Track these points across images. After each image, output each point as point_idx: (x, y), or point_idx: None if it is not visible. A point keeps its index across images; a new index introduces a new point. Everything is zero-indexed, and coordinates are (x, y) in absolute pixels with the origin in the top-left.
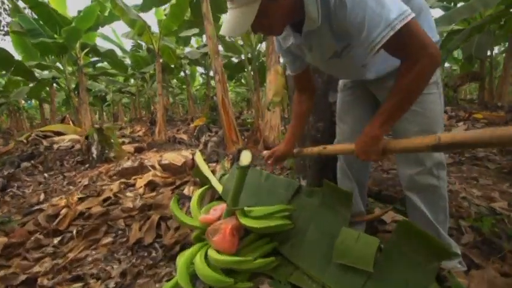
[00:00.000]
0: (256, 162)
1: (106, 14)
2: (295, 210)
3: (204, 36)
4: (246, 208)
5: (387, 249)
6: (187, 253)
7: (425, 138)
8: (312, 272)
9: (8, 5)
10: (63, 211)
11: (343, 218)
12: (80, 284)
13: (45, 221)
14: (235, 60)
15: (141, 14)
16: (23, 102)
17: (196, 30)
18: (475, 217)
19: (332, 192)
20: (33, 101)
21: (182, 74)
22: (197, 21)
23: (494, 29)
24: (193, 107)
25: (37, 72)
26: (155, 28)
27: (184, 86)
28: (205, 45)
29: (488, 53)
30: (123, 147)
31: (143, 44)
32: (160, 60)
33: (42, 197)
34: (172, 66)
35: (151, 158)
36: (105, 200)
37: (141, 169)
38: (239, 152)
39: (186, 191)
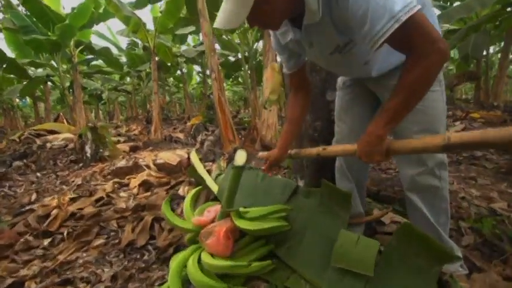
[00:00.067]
0: (252, 162)
1: (100, 11)
2: (292, 211)
3: (200, 34)
4: (241, 209)
5: (387, 253)
6: (180, 256)
7: (433, 139)
8: (309, 275)
9: (0, 2)
10: (54, 212)
11: (341, 219)
12: None
13: (36, 221)
14: (232, 58)
15: (136, 11)
16: (17, 100)
17: (192, 28)
18: (475, 218)
19: (330, 193)
20: (27, 99)
21: (179, 72)
22: (193, 19)
23: (490, 28)
24: (190, 106)
25: (31, 70)
26: (151, 25)
27: (181, 85)
28: (201, 44)
29: (484, 52)
30: (118, 146)
31: (139, 41)
32: (156, 58)
33: (34, 197)
34: (169, 64)
35: (145, 157)
36: (97, 201)
37: (136, 168)
38: (235, 151)
39: (181, 191)
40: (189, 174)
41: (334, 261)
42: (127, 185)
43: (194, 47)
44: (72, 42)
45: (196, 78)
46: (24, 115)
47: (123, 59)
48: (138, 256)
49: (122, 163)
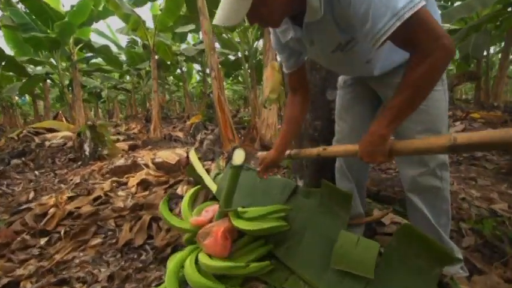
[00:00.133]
0: (251, 162)
1: (100, 8)
2: (292, 211)
3: (200, 32)
4: (239, 209)
5: (387, 254)
6: (177, 257)
7: (438, 139)
8: (308, 277)
9: None
10: (52, 210)
11: (341, 220)
12: None
13: (33, 220)
14: (232, 57)
15: (136, 9)
16: (16, 98)
17: (192, 27)
18: (476, 219)
19: (330, 193)
20: (27, 97)
21: (178, 71)
22: (193, 17)
23: (490, 28)
24: (189, 105)
25: (30, 68)
26: (150, 23)
27: (180, 83)
28: (201, 42)
29: (485, 53)
30: (118, 144)
31: (139, 40)
32: (156, 57)
33: (31, 195)
34: (169, 63)
35: (144, 156)
36: (95, 199)
37: (134, 167)
38: (233, 150)
39: (179, 191)
40: (188, 173)
41: (334, 263)
42: (125, 183)
43: (194, 45)
44: (71, 40)
45: (196, 77)
46: (24, 113)
47: (123, 57)
48: (136, 256)
49: (120, 162)
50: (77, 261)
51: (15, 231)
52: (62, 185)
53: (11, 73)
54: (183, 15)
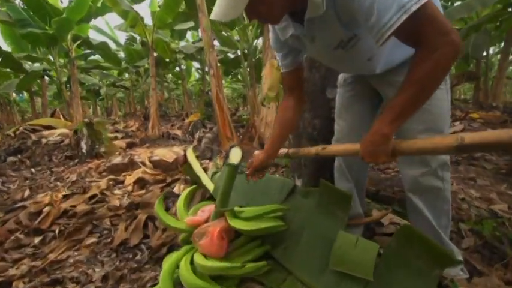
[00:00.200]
0: (249, 161)
1: (98, 5)
2: (290, 211)
3: (199, 30)
4: (236, 208)
5: (386, 255)
6: (173, 257)
7: (444, 139)
8: (306, 278)
9: None
10: (46, 209)
11: (340, 220)
12: None
13: (27, 219)
14: (231, 55)
15: (135, 6)
16: (14, 95)
17: (191, 24)
18: (475, 220)
19: (329, 193)
20: (24, 94)
21: (177, 69)
22: (192, 14)
23: (490, 29)
24: (188, 103)
25: (28, 65)
26: (149, 20)
27: (179, 81)
28: (200, 40)
29: (484, 53)
30: (115, 142)
31: (137, 37)
32: (155, 54)
33: (27, 193)
34: (167, 60)
35: (141, 154)
36: (91, 198)
37: (131, 165)
38: (231, 149)
39: (176, 189)
40: (185, 172)
41: (332, 264)
42: (122, 182)
43: (193, 43)
44: (69, 37)
45: (195, 75)
46: (21, 110)
47: (121, 55)
48: (131, 256)
49: (117, 160)
50: (71, 260)
51: (9, 229)
52: (58, 183)
53: (8, 69)
54: (182, 12)
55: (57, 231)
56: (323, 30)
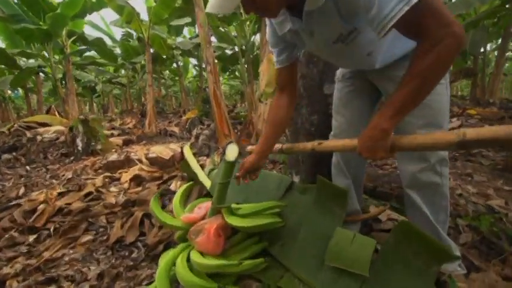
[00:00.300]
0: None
1: (94, 0)
2: (287, 207)
3: (196, 26)
4: (233, 205)
5: (384, 252)
6: (169, 255)
7: (445, 135)
8: (304, 275)
9: None
10: (41, 207)
11: (337, 217)
12: (53, 287)
13: (22, 217)
14: (228, 52)
15: (130, 1)
16: (9, 92)
17: (188, 19)
18: (473, 216)
19: (326, 189)
20: (20, 90)
21: (175, 65)
22: (189, 9)
23: (488, 25)
24: (186, 100)
25: (22, 61)
26: (145, 16)
27: (177, 78)
28: (197, 36)
29: (482, 49)
30: (112, 139)
31: (134, 33)
32: (151, 50)
33: (22, 191)
34: (164, 56)
35: (138, 151)
36: (86, 195)
37: (128, 162)
38: (227, 145)
39: (172, 186)
40: (181, 169)
41: (329, 260)
42: (118, 179)
43: (190, 39)
44: (64, 32)
45: (193, 72)
46: (17, 107)
47: (118, 51)
48: (127, 253)
49: (113, 157)
50: (67, 258)
51: (3, 227)
52: (54, 181)
53: (2, 66)
54: (178, 7)
55: (52, 229)
56: (322, 24)
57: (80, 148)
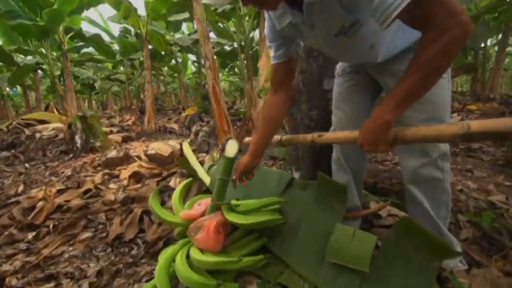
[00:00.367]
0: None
1: None
2: (287, 204)
3: (195, 21)
4: (233, 202)
5: (385, 248)
6: (168, 251)
7: (449, 127)
8: (304, 271)
9: None
10: (40, 204)
11: (338, 213)
12: (52, 285)
13: (21, 214)
14: (227, 48)
15: None
16: (7, 89)
17: (186, 15)
18: (474, 211)
19: (327, 185)
20: (18, 88)
21: (173, 61)
22: (187, 4)
23: (489, 20)
24: (185, 96)
25: (20, 58)
26: (143, 11)
27: (175, 75)
28: (196, 32)
29: (482, 44)
30: (111, 136)
31: (132, 29)
32: (149, 46)
33: (21, 188)
34: (163, 53)
35: (137, 147)
36: (85, 192)
37: (127, 159)
38: (227, 141)
39: (172, 183)
40: (180, 165)
41: (329, 256)
42: (117, 176)
43: (189, 35)
44: (61, 28)
45: (192, 68)
46: (16, 104)
47: (116, 47)
48: (126, 250)
49: (112, 154)
50: (66, 256)
51: (3, 225)
52: (53, 178)
53: (0, 63)
54: (176, 2)
55: (51, 227)
56: (323, 16)
57: (78, 145)
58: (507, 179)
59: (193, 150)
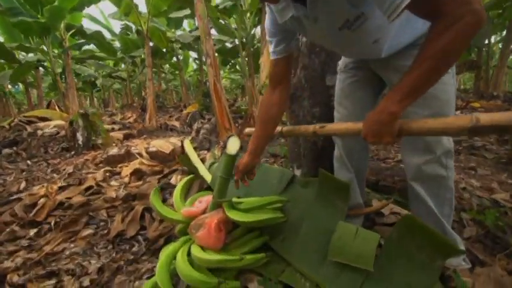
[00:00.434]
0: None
1: None
2: (289, 202)
3: (196, 18)
4: (234, 199)
5: (388, 246)
6: (169, 249)
7: (457, 119)
8: (305, 269)
9: None
10: (42, 201)
11: (340, 211)
12: (53, 281)
13: (23, 211)
14: (229, 45)
15: None
16: (9, 87)
17: (187, 11)
18: (477, 209)
19: (328, 183)
20: (20, 85)
21: (175, 59)
22: (188, 0)
23: (493, 16)
24: (186, 94)
25: (22, 55)
26: (144, 8)
27: (177, 72)
28: (197, 28)
29: (486, 41)
30: (112, 134)
31: (133, 26)
32: (151, 44)
33: (23, 185)
34: (164, 50)
35: (138, 145)
36: (87, 189)
37: (128, 157)
38: (228, 138)
39: (173, 180)
40: (181, 162)
41: (332, 255)
42: (119, 173)
43: (190, 32)
44: (62, 25)
45: (193, 65)
46: (18, 102)
47: (117, 44)
48: (128, 247)
49: (114, 151)
50: (67, 252)
51: (4, 222)
52: (55, 175)
53: (1, 60)
54: None
55: (52, 223)
56: (327, 9)
57: (80, 142)
58: (510, 177)
59: (195, 148)
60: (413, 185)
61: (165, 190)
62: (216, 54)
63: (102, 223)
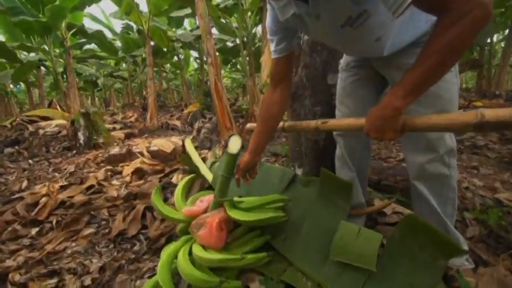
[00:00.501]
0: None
1: None
2: (290, 201)
3: (197, 17)
4: (235, 199)
5: (390, 246)
6: (171, 248)
7: (462, 115)
8: (307, 269)
9: None
10: (43, 200)
11: (342, 210)
12: (55, 280)
13: (24, 210)
14: (230, 44)
15: None
16: (11, 86)
17: (188, 11)
18: (480, 209)
19: (330, 182)
20: (22, 85)
21: (176, 58)
22: (189, 0)
23: (495, 15)
24: (187, 93)
25: (23, 55)
26: (145, 7)
27: (178, 71)
28: (198, 28)
29: (488, 40)
30: (114, 133)
31: (134, 25)
32: (151, 43)
33: (24, 184)
34: (165, 49)
35: (139, 144)
36: (88, 188)
37: (129, 156)
38: (230, 137)
39: (174, 179)
40: (182, 161)
41: (333, 255)
42: (120, 172)
43: (191, 31)
44: (63, 25)
45: (194, 65)
46: (19, 101)
47: (118, 44)
48: (129, 246)
49: (115, 150)
50: (69, 251)
51: (6, 221)
52: (56, 174)
53: (3, 60)
54: None
55: (54, 222)
56: (329, 6)
57: (81, 142)
58: None
59: (196, 147)
60: (415, 184)
61: (167, 189)
62: (217, 54)
63: (103, 222)
